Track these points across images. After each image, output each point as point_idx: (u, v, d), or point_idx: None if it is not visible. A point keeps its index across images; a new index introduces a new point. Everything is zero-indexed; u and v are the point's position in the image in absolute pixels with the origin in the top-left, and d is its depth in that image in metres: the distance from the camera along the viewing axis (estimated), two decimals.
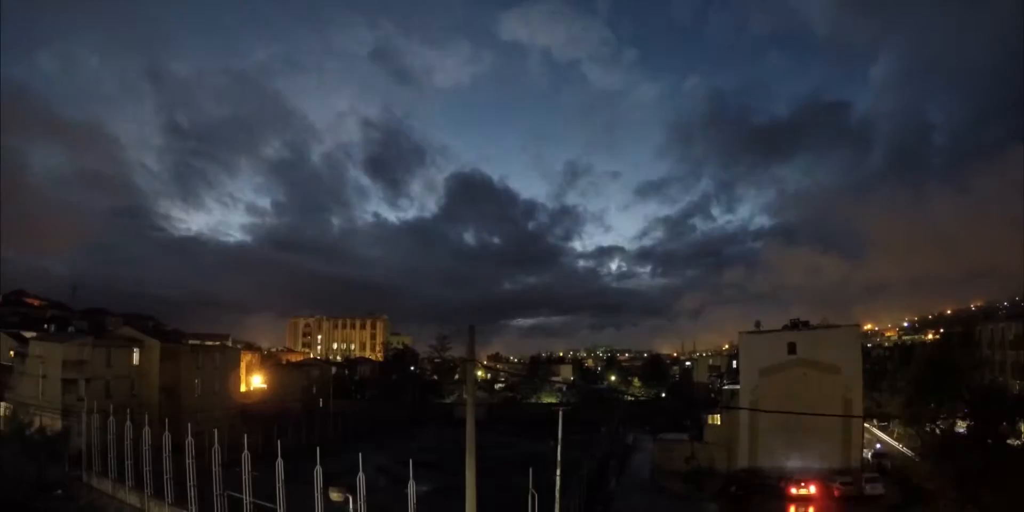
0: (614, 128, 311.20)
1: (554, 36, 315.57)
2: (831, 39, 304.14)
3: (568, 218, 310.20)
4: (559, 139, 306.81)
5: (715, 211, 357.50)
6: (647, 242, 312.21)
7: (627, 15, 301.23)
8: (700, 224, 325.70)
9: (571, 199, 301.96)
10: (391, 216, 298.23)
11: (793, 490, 34.20)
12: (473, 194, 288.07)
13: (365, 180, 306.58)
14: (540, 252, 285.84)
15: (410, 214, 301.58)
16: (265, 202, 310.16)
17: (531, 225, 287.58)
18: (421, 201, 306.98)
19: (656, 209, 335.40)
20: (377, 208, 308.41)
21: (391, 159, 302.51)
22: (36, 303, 77.59)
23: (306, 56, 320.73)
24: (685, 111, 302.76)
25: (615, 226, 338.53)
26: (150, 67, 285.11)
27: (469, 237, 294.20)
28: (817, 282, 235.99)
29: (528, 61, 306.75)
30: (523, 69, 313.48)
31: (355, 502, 19.02)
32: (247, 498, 23.30)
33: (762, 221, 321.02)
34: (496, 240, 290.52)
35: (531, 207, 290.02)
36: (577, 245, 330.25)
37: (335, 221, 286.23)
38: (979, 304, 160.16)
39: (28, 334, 51.97)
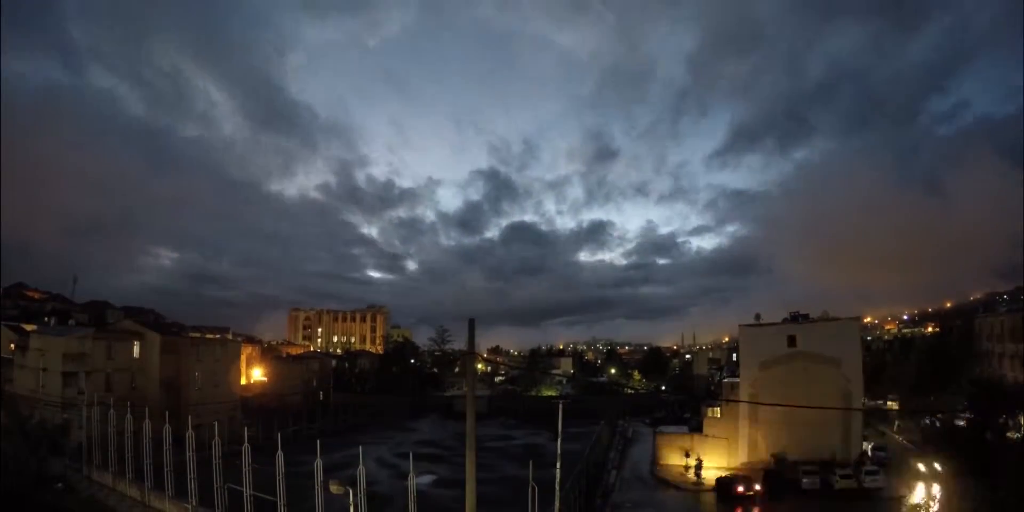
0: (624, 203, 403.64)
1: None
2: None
3: (584, 243, 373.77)
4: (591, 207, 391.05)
5: (712, 226, 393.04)
6: (644, 255, 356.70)
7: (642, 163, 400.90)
8: (700, 237, 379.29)
9: (591, 235, 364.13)
10: (451, 242, 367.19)
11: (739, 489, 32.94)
12: (523, 232, 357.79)
13: (451, 229, 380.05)
14: (559, 266, 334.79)
15: (472, 242, 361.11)
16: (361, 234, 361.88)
17: (558, 249, 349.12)
18: (483, 235, 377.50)
19: (654, 230, 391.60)
20: (447, 243, 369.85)
21: (477, 220, 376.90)
22: (36, 296, 77.50)
23: (442, 170, 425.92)
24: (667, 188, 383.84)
25: (619, 242, 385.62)
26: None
27: (509, 257, 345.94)
28: (817, 278, 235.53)
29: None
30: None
31: (355, 495, 19.02)
32: (247, 491, 23.36)
33: (759, 222, 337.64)
34: (527, 260, 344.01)
35: (561, 238, 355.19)
36: (586, 258, 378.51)
37: (411, 251, 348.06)
38: (978, 296, 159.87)
39: (28, 327, 51.89)
